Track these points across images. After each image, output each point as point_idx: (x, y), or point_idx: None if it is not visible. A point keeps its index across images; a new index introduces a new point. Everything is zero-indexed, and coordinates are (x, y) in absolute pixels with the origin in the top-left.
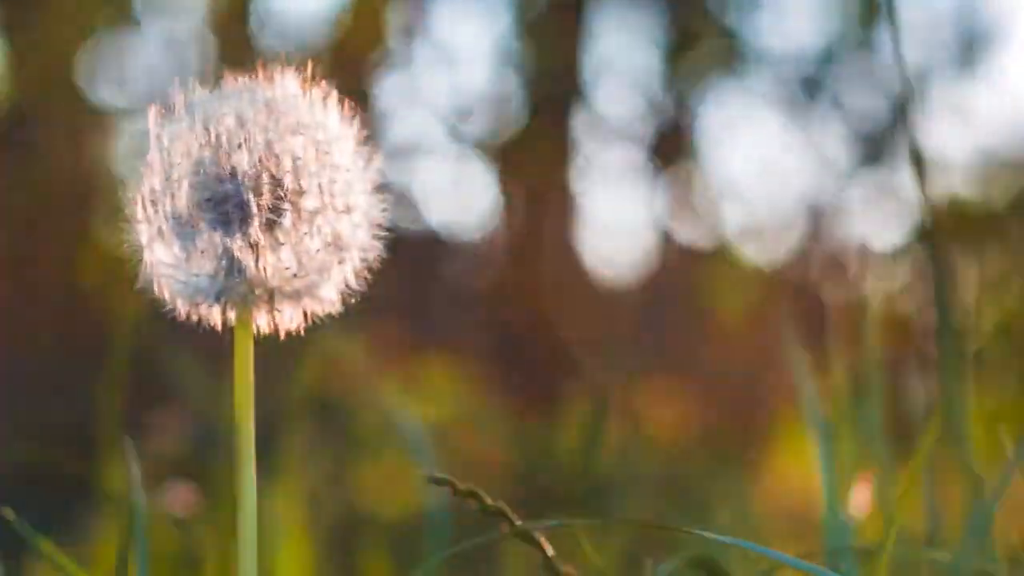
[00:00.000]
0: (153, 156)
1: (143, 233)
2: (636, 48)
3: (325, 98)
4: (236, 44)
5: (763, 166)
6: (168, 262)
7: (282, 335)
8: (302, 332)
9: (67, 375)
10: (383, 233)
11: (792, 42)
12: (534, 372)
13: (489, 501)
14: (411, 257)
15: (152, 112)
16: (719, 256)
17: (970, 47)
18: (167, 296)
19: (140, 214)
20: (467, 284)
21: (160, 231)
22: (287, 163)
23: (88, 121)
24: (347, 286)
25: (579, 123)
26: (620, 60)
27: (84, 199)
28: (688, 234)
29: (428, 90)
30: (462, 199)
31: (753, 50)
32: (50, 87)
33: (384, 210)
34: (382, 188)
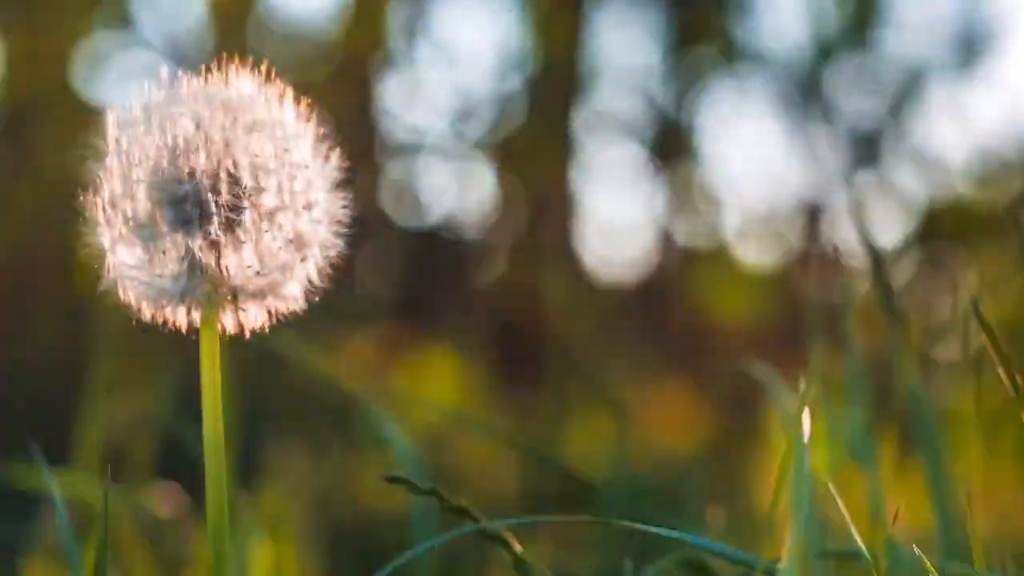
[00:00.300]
0: (112, 160)
1: (105, 236)
2: (636, 47)
3: (281, 96)
4: (237, 45)
5: (761, 165)
6: (131, 264)
7: (247, 334)
8: (269, 330)
9: (67, 375)
10: (344, 229)
11: (789, 42)
12: (534, 371)
13: (451, 501)
14: (412, 255)
15: (111, 116)
16: (717, 256)
17: (969, 46)
18: (131, 298)
19: (101, 217)
20: (468, 282)
21: (121, 234)
22: (245, 161)
23: (86, 122)
24: (310, 283)
25: (579, 121)
26: (620, 58)
27: (82, 199)
28: (687, 233)
29: (429, 88)
30: (463, 197)
31: (751, 50)
32: (48, 88)
33: (344, 206)
34: (341, 184)
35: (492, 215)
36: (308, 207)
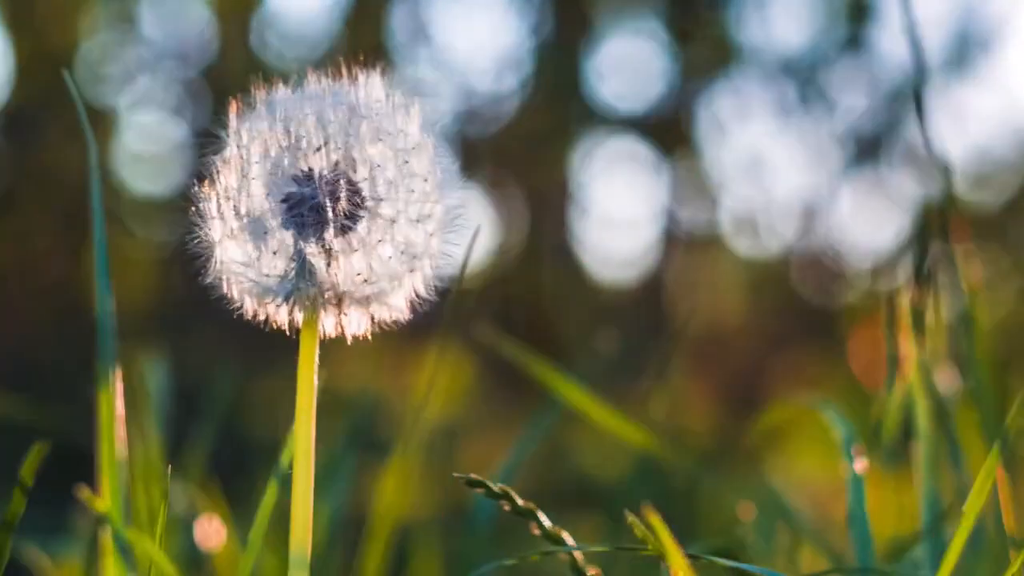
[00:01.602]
0: (231, 153)
1: (215, 230)
2: (638, 43)
3: (408, 104)
4: (238, 45)
5: (762, 162)
6: (239, 260)
7: (348, 339)
8: (368, 337)
9: (67, 374)
10: (457, 244)
11: (789, 40)
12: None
13: (521, 503)
14: None
15: (232, 107)
16: (719, 252)
17: (968, 47)
18: (235, 294)
19: (213, 210)
20: (468, 281)
21: (233, 229)
22: (366, 170)
23: (89, 120)
24: (416, 295)
25: (580, 118)
26: (622, 55)
27: (85, 198)
28: (688, 230)
29: (430, 87)
30: (464, 196)
31: (751, 47)
32: (52, 86)
33: (459, 221)
34: (460, 198)
35: (494, 212)
36: (422, 219)
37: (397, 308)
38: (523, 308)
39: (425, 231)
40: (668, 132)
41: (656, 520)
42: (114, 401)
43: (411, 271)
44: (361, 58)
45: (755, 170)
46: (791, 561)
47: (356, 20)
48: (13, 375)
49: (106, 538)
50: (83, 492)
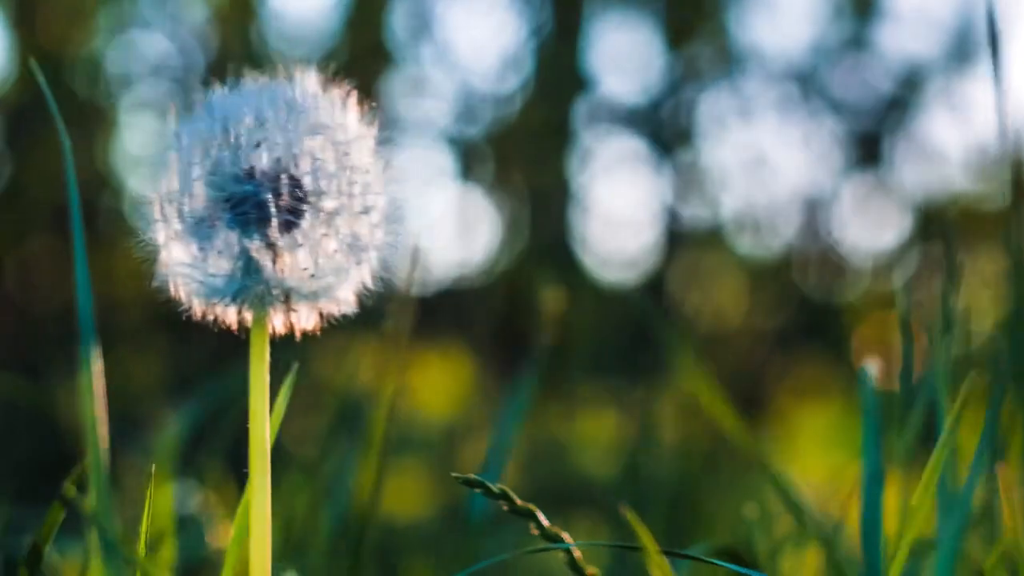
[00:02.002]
0: (171, 155)
1: (160, 232)
2: (637, 40)
3: (344, 98)
4: (239, 43)
5: (764, 160)
6: (185, 262)
7: (297, 335)
8: (317, 333)
9: (67, 373)
10: (401, 234)
11: (791, 37)
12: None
13: (519, 502)
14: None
15: (171, 110)
16: (721, 251)
17: (970, 42)
18: (183, 296)
19: (157, 213)
20: (469, 279)
21: (177, 231)
22: (306, 164)
23: (90, 120)
24: (364, 287)
25: (581, 116)
26: (621, 52)
27: (86, 197)
28: (689, 228)
29: (431, 86)
30: (465, 195)
31: (752, 44)
32: (51, 86)
33: (403, 211)
34: (401, 188)
35: (495, 209)
36: (366, 211)
37: (345, 301)
38: (523, 308)
39: (369, 223)
40: (669, 130)
41: (634, 519)
42: (96, 400)
43: (357, 263)
44: (362, 58)
45: (757, 168)
46: (796, 560)
47: (356, 20)
48: (13, 374)
49: (93, 538)
50: (69, 490)
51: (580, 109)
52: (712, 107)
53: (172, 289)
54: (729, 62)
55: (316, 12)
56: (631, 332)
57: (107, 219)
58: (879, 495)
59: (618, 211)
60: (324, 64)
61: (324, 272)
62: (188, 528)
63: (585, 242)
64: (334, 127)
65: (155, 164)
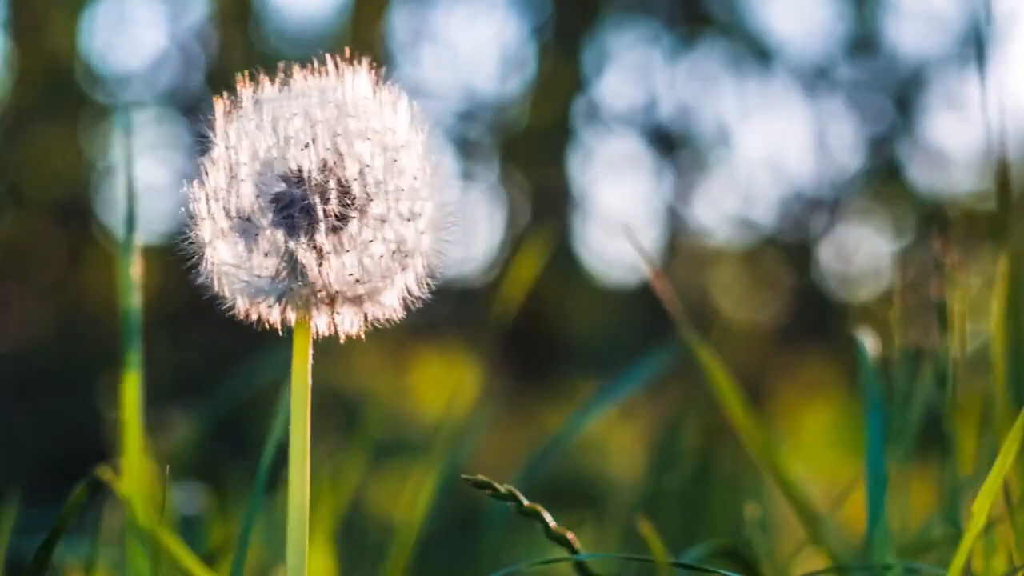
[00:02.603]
0: (219, 153)
1: (205, 230)
2: (641, 42)
3: (395, 101)
4: (239, 42)
5: (767, 159)
6: (230, 261)
7: (342, 338)
8: (361, 336)
9: (71, 372)
10: (449, 240)
11: (799, 36)
12: (537, 369)
13: (526, 503)
14: None
15: (219, 107)
16: (722, 250)
17: (975, 41)
18: (227, 294)
19: (203, 211)
20: (470, 280)
21: (223, 229)
22: (355, 169)
23: (89, 118)
24: (409, 292)
25: (583, 117)
26: (625, 52)
27: (84, 195)
28: (692, 229)
29: (432, 88)
30: (467, 195)
31: (760, 43)
32: (50, 84)
33: (451, 217)
34: (450, 194)
35: (496, 211)
36: (413, 217)
37: (390, 306)
38: (524, 308)
39: (416, 228)
40: (672, 131)
41: (648, 530)
42: (137, 390)
43: (403, 269)
44: (362, 57)
45: (759, 167)
46: (797, 559)
47: (357, 20)
48: (14, 373)
49: (128, 522)
50: (105, 473)
51: (581, 109)
52: (715, 107)
53: (216, 287)
54: (733, 61)
55: (316, 12)
56: (633, 331)
57: (107, 218)
58: (882, 495)
59: (619, 211)
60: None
61: (370, 277)
62: (191, 527)
63: (587, 243)
64: (384, 131)
65: (201, 160)
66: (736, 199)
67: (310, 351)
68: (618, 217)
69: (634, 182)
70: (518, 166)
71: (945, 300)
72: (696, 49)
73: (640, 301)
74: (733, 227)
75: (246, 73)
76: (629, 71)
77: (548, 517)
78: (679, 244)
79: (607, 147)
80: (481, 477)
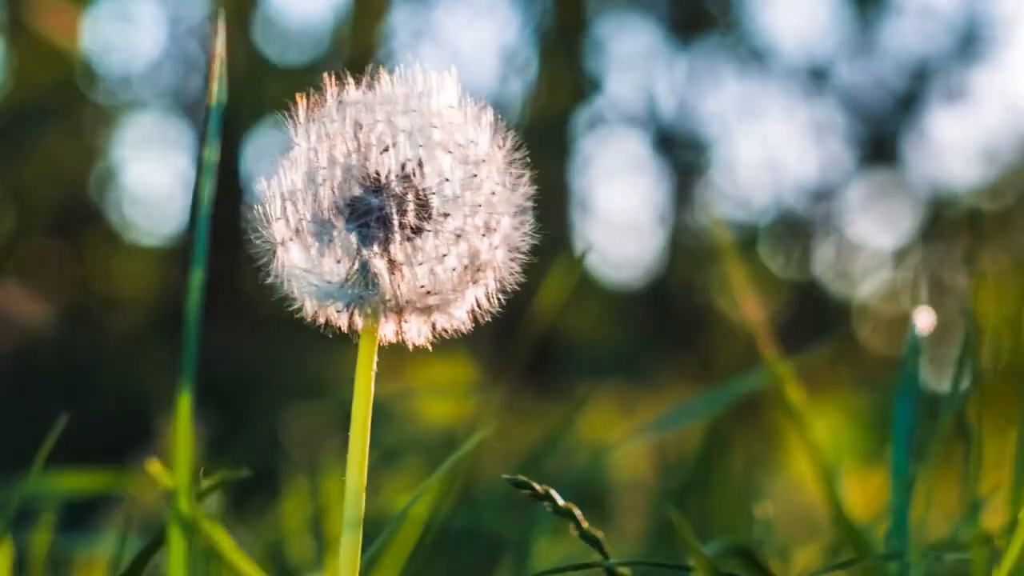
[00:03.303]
0: (298, 152)
1: (278, 231)
2: (642, 42)
3: (479, 114)
4: (239, 43)
5: (769, 159)
6: (301, 263)
7: (409, 348)
8: (429, 347)
9: (74, 372)
10: (522, 256)
11: (798, 36)
12: (538, 370)
13: (562, 503)
14: None
15: (301, 105)
16: (723, 251)
17: (976, 40)
18: (296, 295)
19: (277, 211)
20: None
21: (297, 230)
22: (434, 180)
23: (90, 116)
24: (479, 306)
25: (583, 117)
26: (626, 53)
27: (85, 192)
28: (693, 229)
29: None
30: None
31: (760, 43)
32: (51, 83)
33: (526, 233)
34: (527, 211)
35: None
36: (488, 232)
37: (459, 319)
38: (524, 308)
39: (490, 243)
40: (672, 131)
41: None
42: (191, 386)
43: (475, 283)
44: (362, 59)
45: (759, 166)
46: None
47: (357, 20)
48: (15, 373)
49: (171, 513)
50: (152, 465)
51: (581, 110)
52: (717, 107)
53: (286, 288)
54: (735, 61)
55: (317, 13)
56: (633, 332)
57: (111, 218)
58: (907, 496)
59: (620, 211)
60: (325, 65)
61: (441, 289)
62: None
63: (588, 243)
64: (466, 144)
65: (279, 160)
66: (736, 198)
67: (375, 358)
68: (619, 217)
69: (634, 182)
70: (527, 166)
71: (972, 295)
72: (696, 49)
73: (641, 302)
74: (733, 226)
75: (332, 74)
76: (629, 71)
77: (580, 516)
78: (679, 244)
79: (607, 147)
80: (521, 477)
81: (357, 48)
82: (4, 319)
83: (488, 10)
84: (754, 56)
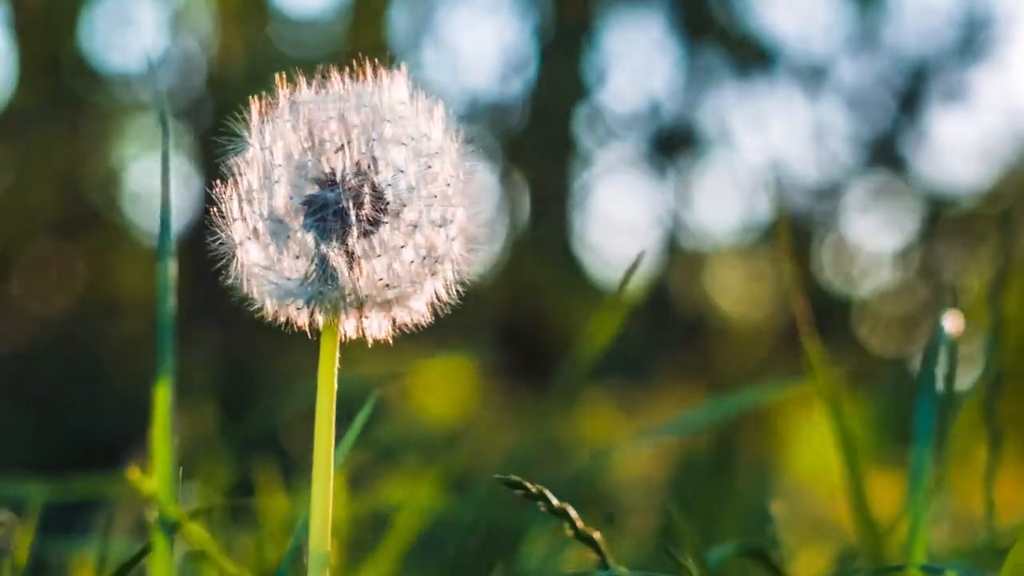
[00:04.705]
0: (253, 153)
1: (236, 231)
2: (643, 41)
3: (431, 107)
4: (239, 43)
5: (771, 159)
6: (260, 262)
7: (368, 342)
8: (389, 340)
9: (76, 372)
10: (478, 247)
11: (799, 36)
12: (536, 370)
13: (556, 502)
14: None
15: (254, 107)
16: (723, 253)
17: (976, 39)
18: (256, 295)
19: (235, 211)
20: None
21: (255, 230)
22: (388, 174)
23: (89, 116)
24: (438, 298)
25: (584, 120)
26: (626, 54)
27: (87, 193)
28: (693, 229)
29: (433, 88)
30: (488, 200)
31: (761, 44)
32: (52, 87)
33: (481, 224)
34: (481, 202)
35: (497, 213)
36: (444, 223)
37: (418, 312)
38: (525, 309)
39: (447, 235)
40: (672, 131)
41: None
42: (169, 390)
43: (433, 275)
44: (363, 59)
45: (760, 167)
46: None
47: (358, 21)
48: (16, 372)
49: (153, 519)
50: (132, 473)
51: (582, 110)
52: (716, 107)
53: (245, 288)
54: (736, 62)
55: (317, 13)
56: (633, 332)
57: (112, 219)
58: (925, 497)
59: (620, 212)
60: (326, 66)
61: (399, 282)
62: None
63: (588, 244)
64: (419, 137)
65: (234, 160)
66: (737, 199)
67: (337, 354)
68: (619, 218)
69: (635, 183)
70: (519, 167)
71: (1000, 294)
72: (697, 50)
73: (641, 303)
74: (734, 227)
75: (283, 74)
76: (630, 72)
77: (575, 516)
78: (680, 244)
79: (608, 148)
80: (514, 477)
81: (358, 48)
82: (6, 319)
83: (488, 10)
84: (755, 56)
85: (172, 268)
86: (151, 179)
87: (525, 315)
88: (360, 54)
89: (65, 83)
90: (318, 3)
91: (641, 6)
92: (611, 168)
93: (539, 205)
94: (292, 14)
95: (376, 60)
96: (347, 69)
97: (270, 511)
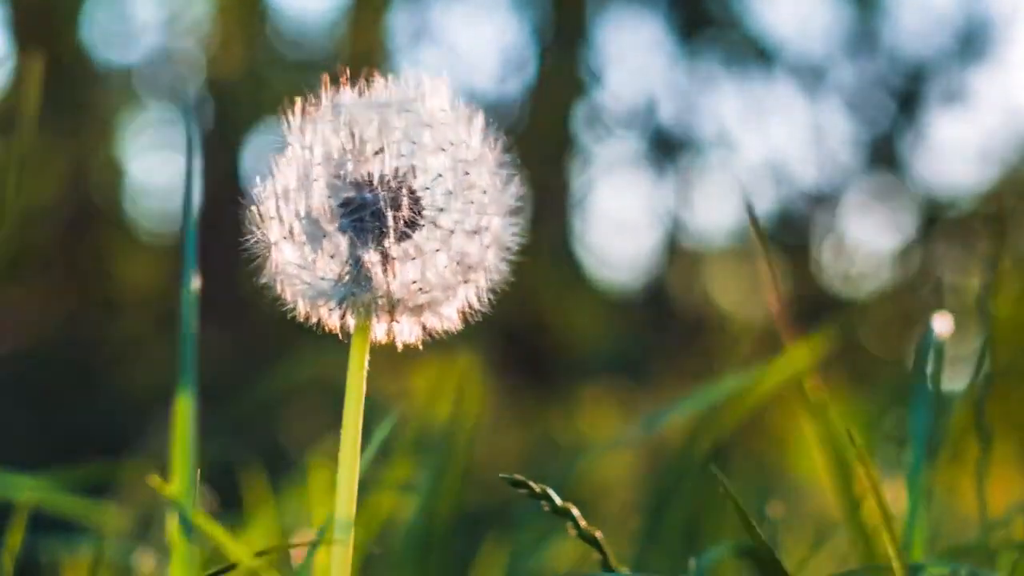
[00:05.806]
0: (292, 152)
1: (272, 230)
2: (641, 41)
3: (471, 115)
4: (238, 42)
5: (771, 159)
6: (295, 262)
7: (399, 346)
8: (419, 346)
9: (76, 372)
10: (512, 256)
11: (799, 35)
12: (536, 371)
13: (559, 503)
14: None
15: (296, 107)
16: (723, 252)
17: (975, 40)
18: (289, 296)
19: (272, 211)
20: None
21: (291, 230)
22: (426, 179)
23: (90, 115)
24: (469, 305)
25: (583, 120)
26: (625, 54)
27: (86, 191)
28: (693, 229)
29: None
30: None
31: (760, 43)
32: (49, 86)
33: (516, 234)
34: (517, 211)
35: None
36: (479, 231)
37: (449, 318)
38: (523, 307)
39: (481, 243)
40: (672, 132)
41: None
42: (191, 396)
43: (465, 282)
44: (363, 60)
45: (760, 167)
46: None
47: (357, 20)
48: (17, 372)
49: (173, 523)
50: (153, 480)
51: (581, 110)
52: (715, 107)
53: (279, 288)
54: (734, 62)
55: (316, 12)
56: (633, 333)
57: (115, 216)
58: (922, 498)
59: (620, 213)
60: (325, 65)
61: (432, 287)
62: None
63: (587, 245)
64: (458, 144)
65: (273, 159)
66: (736, 199)
67: (367, 357)
68: (619, 219)
69: (634, 183)
70: (518, 167)
71: (990, 296)
72: (696, 50)
73: (641, 303)
74: (733, 227)
75: (327, 76)
76: (629, 72)
77: (578, 515)
78: (679, 245)
79: (607, 148)
80: (517, 476)
81: (357, 48)
82: (7, 318)
83: (488, 10)
84: (754, 56)
85: (196, 282)
86: (151, 177)
87: (523, 314)
88: (359, 54)
89: (64, 81)
90: (318, 3)
91: (640, 6)
92: (610, 167)
93: (538, 204)
94: (292, 14)
95: (375, 60)
96: (348, 70)
97: (259, 513)
